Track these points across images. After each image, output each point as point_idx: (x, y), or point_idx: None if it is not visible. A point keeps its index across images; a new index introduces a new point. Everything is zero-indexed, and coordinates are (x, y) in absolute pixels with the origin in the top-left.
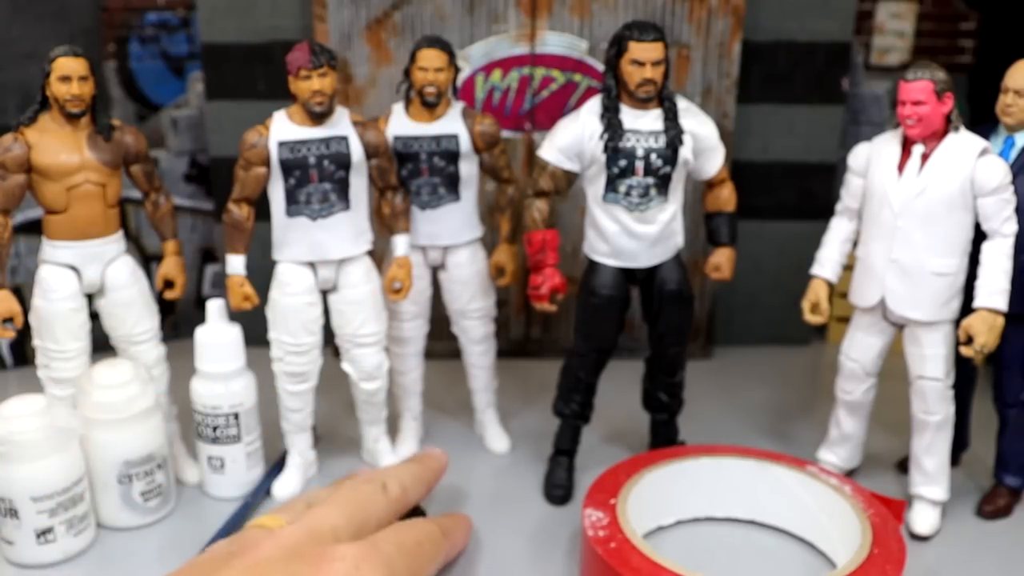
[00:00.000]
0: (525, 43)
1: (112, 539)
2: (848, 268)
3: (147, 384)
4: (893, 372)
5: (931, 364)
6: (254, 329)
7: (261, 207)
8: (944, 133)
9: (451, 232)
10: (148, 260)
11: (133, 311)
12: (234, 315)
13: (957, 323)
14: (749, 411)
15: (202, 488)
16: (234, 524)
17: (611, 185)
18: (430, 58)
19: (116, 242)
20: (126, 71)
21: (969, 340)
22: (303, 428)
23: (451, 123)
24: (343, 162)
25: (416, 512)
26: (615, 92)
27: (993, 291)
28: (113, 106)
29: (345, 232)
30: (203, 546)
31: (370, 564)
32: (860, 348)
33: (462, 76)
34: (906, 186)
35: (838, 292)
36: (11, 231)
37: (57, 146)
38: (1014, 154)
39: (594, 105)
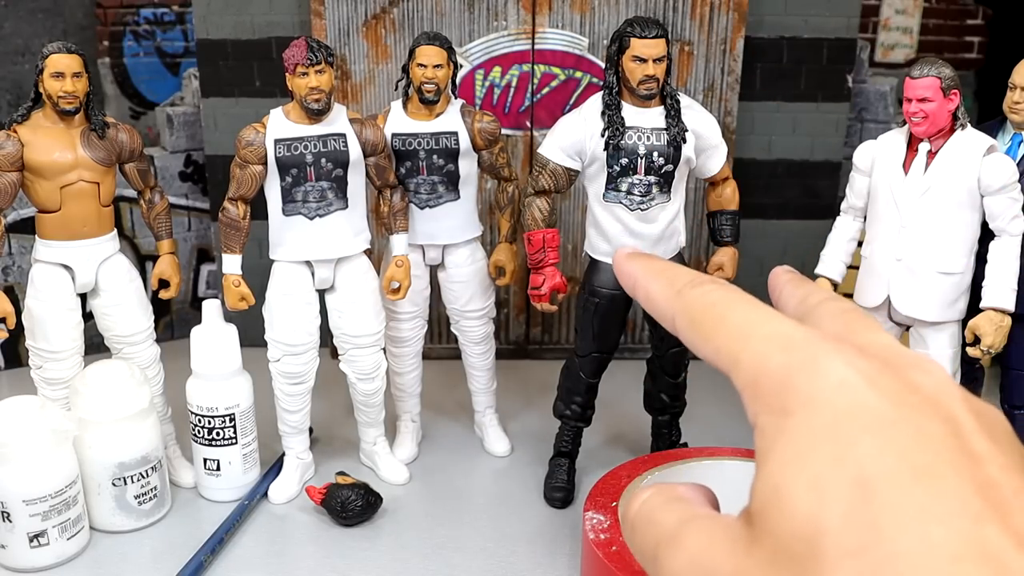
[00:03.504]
0: (525, 39)
1: (106, 543)
2: (854, 267)
3: (142, 385)
4: None
5: None
6: (250, 330)
7: (258, 205)
8: (951, 130)
9: (450, 231)
10: (143, 260)
11: (127, 311)
12: (230, 315)
13: (964, 323)
14: None
15: (197, 491)
16: (230, 528)
17: (612, 183)
18: (429, 55)
19: (110, 241)
20: (120, 68)
21: (976, 340)
22: (300, 430)
23: (450, 120)
24: (341, 160)
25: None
26: (617, 89)
27: (1000, 291)
28: (107, 103)
29: (343, 231)
30: (196, 551)
31: None
32: None
33: (461, 73)
34: (912, 184)
35: (843, 292)
36: (4, 230)
37: (50, 144)
38: (1022, 152)
39: (595, 102)
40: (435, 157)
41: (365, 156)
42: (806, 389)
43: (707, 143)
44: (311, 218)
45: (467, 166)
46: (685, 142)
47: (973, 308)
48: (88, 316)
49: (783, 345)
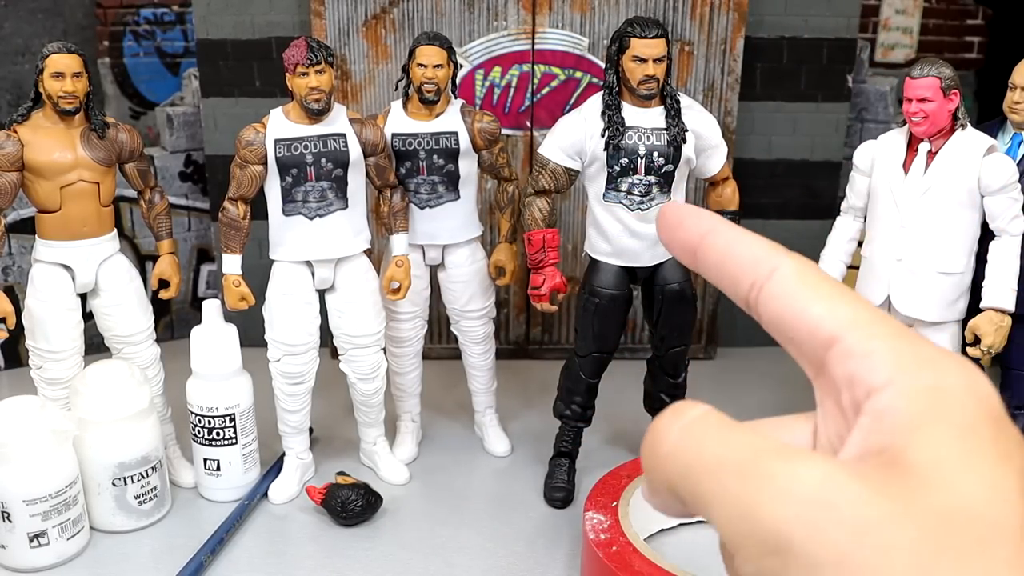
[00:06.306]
0: (525, 39)
1: (106, 543)
2: (854, 267)
3: (142, 385)
4: None
5: None
6: (250, 330)
7: (258, 205)
8: (951, 131)
9: (450, 231)
10: (143, 259)
11: (127, 311)
12: (230, 315)
13: (964, 323)
14: (752, 413)
15: (197, 491)
16: (230, 528)
17: (612, 183)
18: (429, 55)
19: (110, 241)
20: (120, 68)
21: (976, 340)
22: (300, 430)
23: (450, 120)
24: (341, 160)
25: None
26: (617, 89)
27: (1000, 291)
28: (107, 103)
29: (343, 231)
30: (196, 551)
31: None
32: None
33: (461, 73)
34: (912, 185)
35: None
36: (4, 230)
37: (50, 144)
38: (1022, 152)
39: (595, 102)
40: (435, 157)
41: (365, 156)
42: None
43: (707, 143)
44: (311, 218)
45: (467, 166)
46: (685, 142)
47: (973, 308)
48: (88, 316)
49: None
